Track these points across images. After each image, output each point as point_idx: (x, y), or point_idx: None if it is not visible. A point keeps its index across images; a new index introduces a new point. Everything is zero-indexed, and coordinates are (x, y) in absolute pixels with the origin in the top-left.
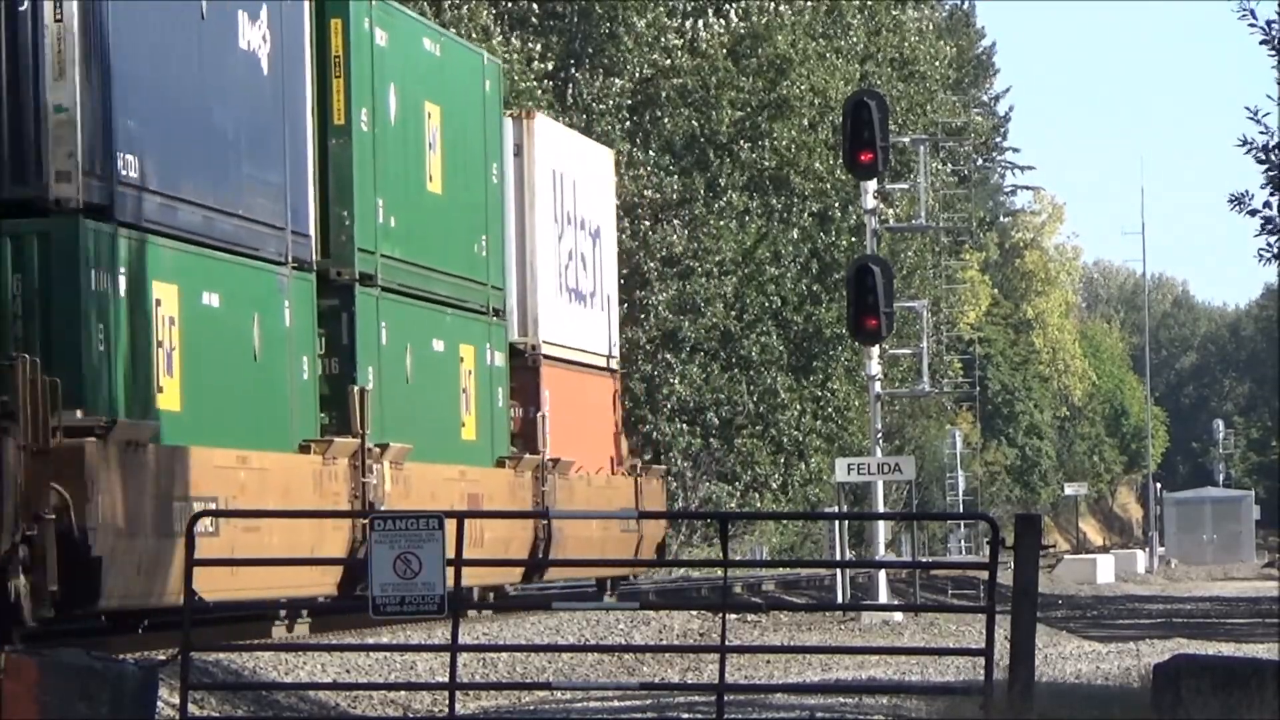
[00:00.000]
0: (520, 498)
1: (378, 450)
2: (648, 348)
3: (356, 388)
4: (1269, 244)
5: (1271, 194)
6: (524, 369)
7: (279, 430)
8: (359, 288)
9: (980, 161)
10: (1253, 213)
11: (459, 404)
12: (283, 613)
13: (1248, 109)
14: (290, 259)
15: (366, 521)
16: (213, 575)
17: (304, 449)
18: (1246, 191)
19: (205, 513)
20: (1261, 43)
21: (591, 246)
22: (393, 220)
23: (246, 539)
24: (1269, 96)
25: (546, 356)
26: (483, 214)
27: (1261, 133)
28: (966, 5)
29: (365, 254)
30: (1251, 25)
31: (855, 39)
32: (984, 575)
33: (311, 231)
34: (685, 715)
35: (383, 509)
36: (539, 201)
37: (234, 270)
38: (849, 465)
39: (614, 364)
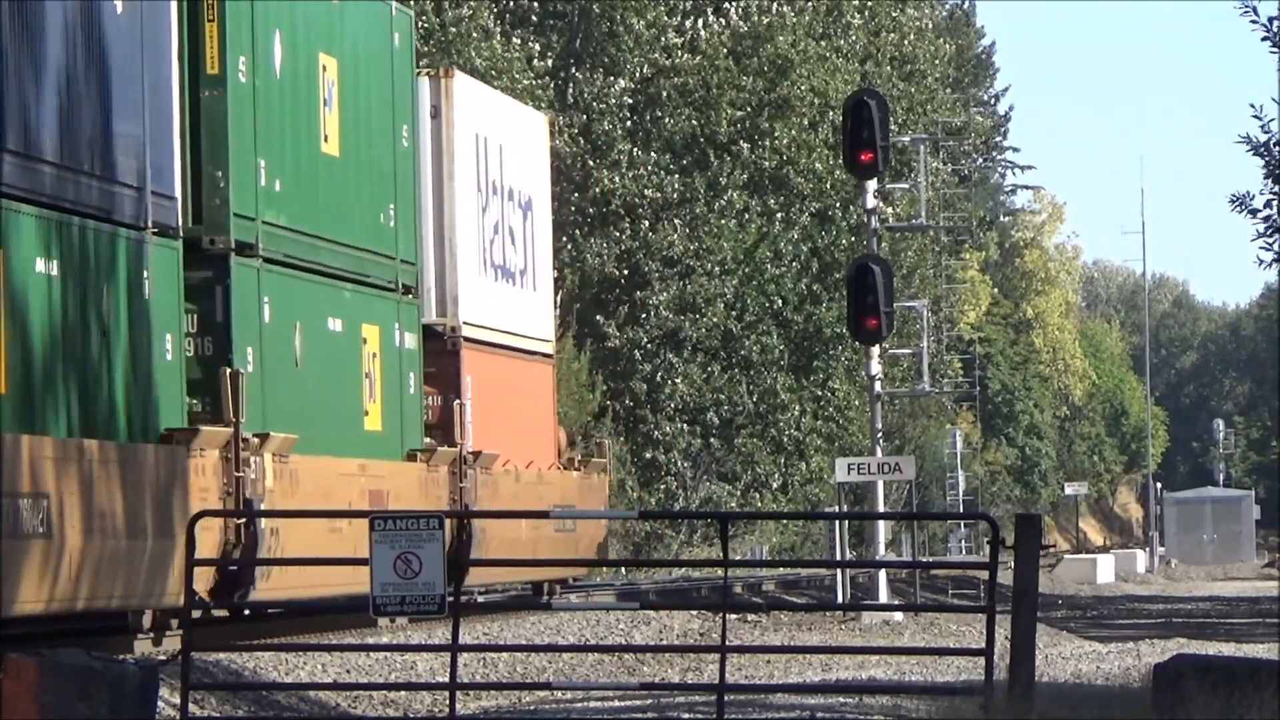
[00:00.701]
0: (434, 495)
1: (256, 441)
2: (649, 347)
3: (229, 370)
4: (1268, 244)
5: (1273, 193)
6: (442, 353)
7: (135, 417)
8: (235, 258)
9: (980, 161)
10: (1253, 213)
11: (361, 391)
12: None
13: (1251, 105)
14: (149, 223)
15: (241, 521)
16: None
17: (165, 439)
18: (1247, 192)
19: (205, 512)
20: (1263, 40)
21: (522, 220)
22: (277, 183)
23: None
24: (1273, 99)
25: (468, 339)
26: (390, 180)
27: (1263, 129)
28: (966, 5)
29: (243, 220)
30: (1253, 23)
31: (855, 38)
32: (984, 575)
33: (177, 193)
34: (685, 715)
35: (262, 507)
36: (460, 169)
37: (75, 233)
38: (849, 465)
39: (550, 349)
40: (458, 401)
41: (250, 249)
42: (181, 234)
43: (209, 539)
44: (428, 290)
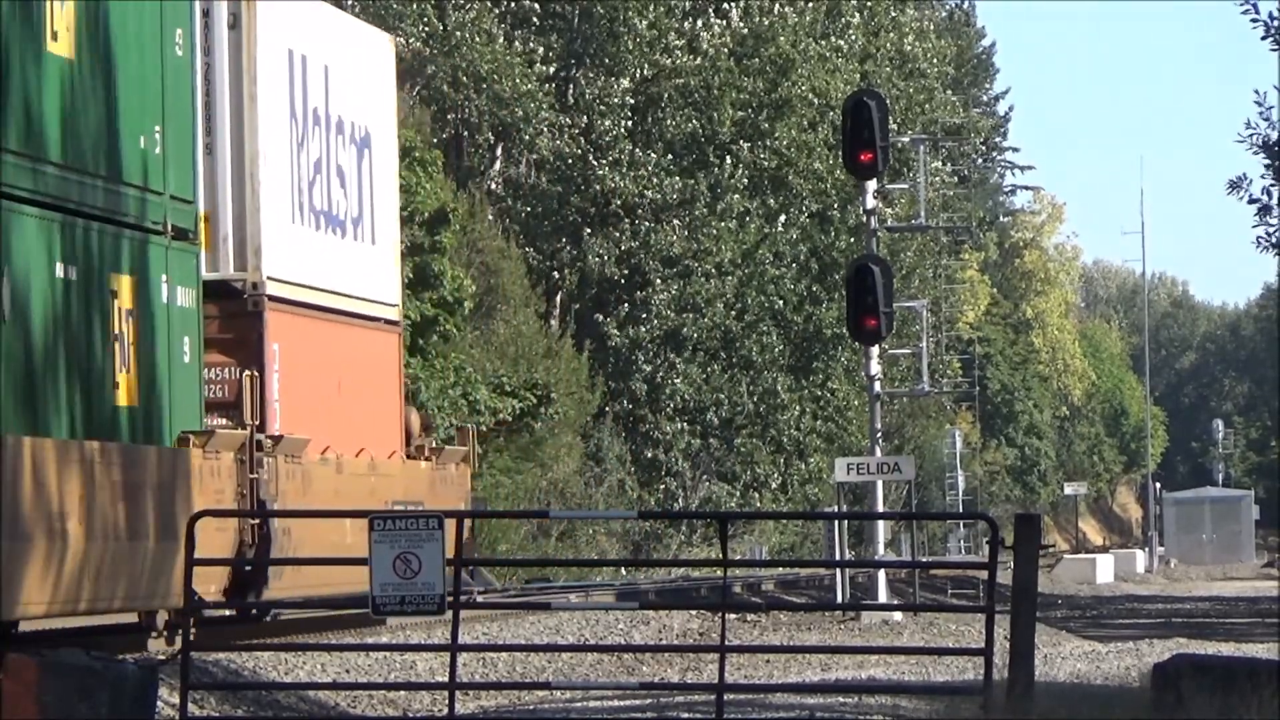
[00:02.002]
0: (210, 488)
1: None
2: (649, 347)
3: (250, 373)
4: (1268, 232)
5: (1271, 183)
6: (241, 315)
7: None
8: None
9: (980, 161)
10: (1252, 200)
11: (107, 357)
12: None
13: (1255, 92)
14: None
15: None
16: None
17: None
18: (1244, 175)
19: (206, 512)
20: (1264, 38)
21: (356, 159)
22: None
23: None
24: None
25: (276, 299)
26: (156, 97)
27: (1263, 117)
28: (966, 5)
29: None
30: (1254, 21)
31: (855, 38)
32: (984, 575)
33: None
34: (685, 715)
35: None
36: (266, 92)
37: None
38: (849, 465)
39: (395, 315)
40: (247, 374)
41: None
42: None
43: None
44: (223, 238)
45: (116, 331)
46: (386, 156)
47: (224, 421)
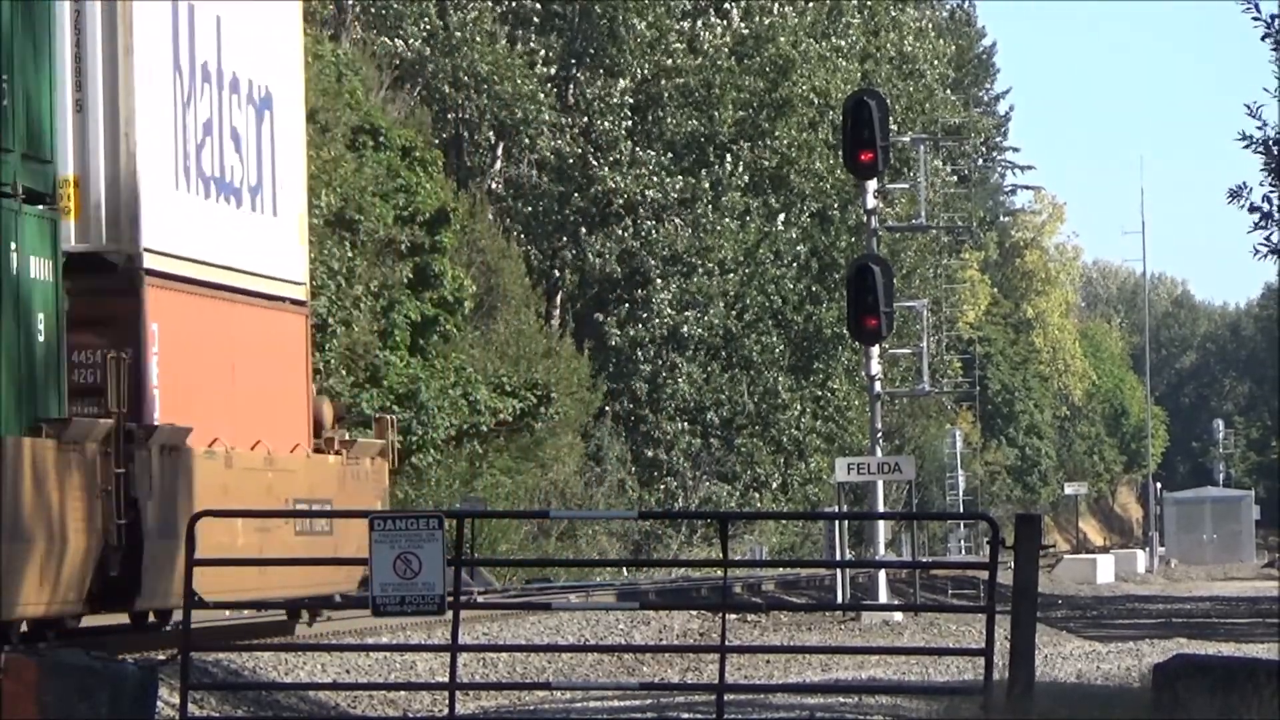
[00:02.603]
0: (67, 484)
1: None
2: (650, 347)
3: (113, 354)
4: (1266, 239)
5: (1270, 189)
6: (114, 291)
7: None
8: None
9: (980, 161)
10: (1252, 208)
11: None
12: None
13: (1246, 106)
14: None
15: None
16: None
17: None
18: (1244, 184)
19: (206, 512)
20: (1264, 37)
21: (255, 121)
22: None
23: None
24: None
25: (156, 273)
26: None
27: (1259, 128)
28: (966, 5)
29: None
30: (1255, 19)
31: (855, 38)
32: (984, 575)
33: None
34: (685, 715)
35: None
36: (145, 43)
37: None
38: (849, 465)
39: (301, 294)
40: (112, 355)
41: None
42: None
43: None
44: (95, 206)
45: None
46: (292, 119)
47: (95, 410)
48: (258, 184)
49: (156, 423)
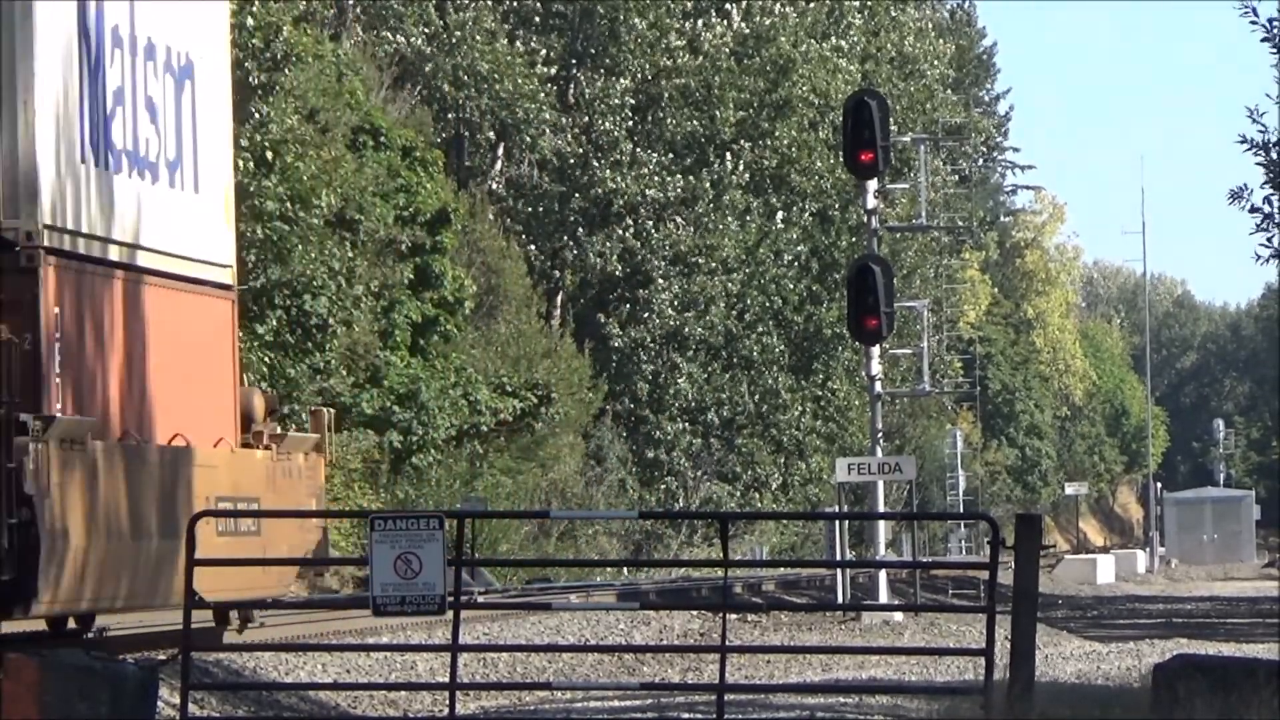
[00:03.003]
0: None
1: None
2: (651, 347)
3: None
4: (1267, 240)
5: (1271, 191)
6: (8, 271)
7: None
8: None
9: (980, 161)
10: (1253, 209)
11: None
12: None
13: (1248, 109)
14: None
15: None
16: None
17: None
18: (1245, 185)
19: (206, 512)
20: (1263, 40)
21: (173, 91)
22: None
23: None
24: (1270, 98)
25: (57, 252)
26: None
27: (1260, 131)
28: (967, 5)
29: None
30: (1253, 23)
31: (855, 39)
32: (984, 575)
33: None
34: (685, 715)
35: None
36: (43, 5)
37: None
38: (849, 465)
39: (227, 278)
40: (5, 339)
41: None
42: None
43: None
44: None
45: None
46: (216, 91)
47: None
48: (177, 158)
49: (57, 414)
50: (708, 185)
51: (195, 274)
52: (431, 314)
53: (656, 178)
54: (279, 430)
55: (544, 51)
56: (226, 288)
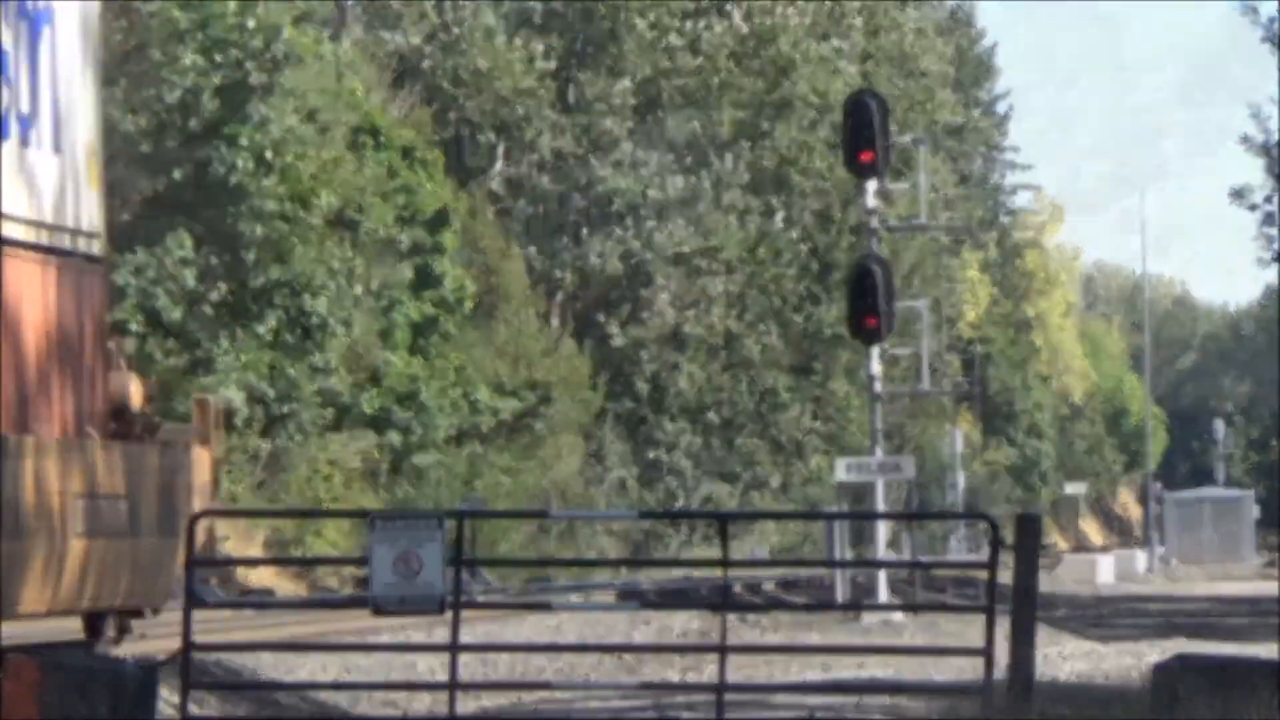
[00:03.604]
0: None
1: None
2: (652, 347)
3: None
4: (1269, 240)
5: (1273, 190)
6: None
7: None
8: None
9: (980, 162)
10: (1253, 207)
11: None
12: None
13: (1249, 108)
14: None
15: None
16: None
17: None
18: (1247, 185)
19: (206, 512)
20: (1263, 40)
21: (27, 39)
22: None
23: None
24: (1270, 99)
25: None
26: None
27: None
28: (967, 5)
29: None
30: (1254, 23)
31: (856, 39)
32: (984, 575)
33: None
34: (685, 715)
35: None
36: None
37: None
38: (849, 465)
39: (96, 248)
40: None
41: None
42: None
43: None
44: None
45: None
46: (77, 42)
47: None
48: (31, 114)
49: None
50: (708, 185)
51: (55, 242)
52: (431, 314)
53: (656, 178)
54: (156, 420)
55: (542, 49)
56: (95, 259)
